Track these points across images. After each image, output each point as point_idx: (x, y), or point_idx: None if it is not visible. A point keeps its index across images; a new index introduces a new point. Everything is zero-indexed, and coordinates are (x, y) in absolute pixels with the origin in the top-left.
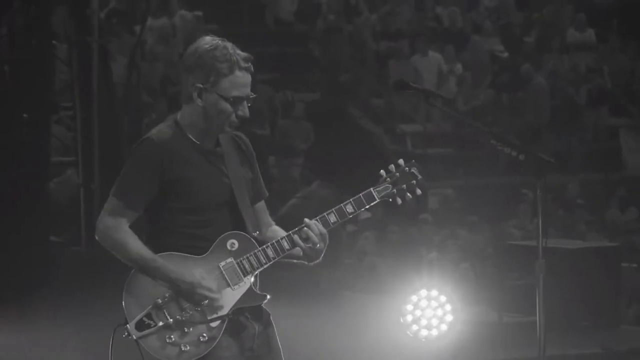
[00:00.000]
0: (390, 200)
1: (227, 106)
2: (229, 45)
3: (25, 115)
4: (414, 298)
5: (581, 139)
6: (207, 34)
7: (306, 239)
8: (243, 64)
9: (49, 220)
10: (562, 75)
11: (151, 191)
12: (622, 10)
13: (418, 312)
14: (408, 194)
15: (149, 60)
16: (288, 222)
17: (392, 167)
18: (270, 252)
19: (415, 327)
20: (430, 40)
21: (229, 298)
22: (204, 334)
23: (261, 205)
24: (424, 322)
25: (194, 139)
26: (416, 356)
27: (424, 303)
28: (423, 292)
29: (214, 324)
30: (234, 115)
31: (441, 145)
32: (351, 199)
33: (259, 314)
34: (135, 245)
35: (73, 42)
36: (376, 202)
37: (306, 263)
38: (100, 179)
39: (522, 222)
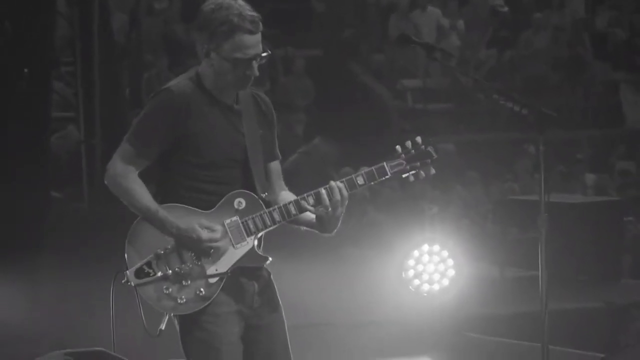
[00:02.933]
0: (403, 176)
1: (230, 67)
2: (235, 4)
3: (26, 70)
4: (416, 253)
5: (582, 93)
6: None
7: (316, 205)
8: (246, 26)
9: (50, 175)
10: (562, 30)
11: (165, 142)
12: None
13: (420, 267)
14: (422, 172)
15: (149, 15)
16: (289, 178)
17: (408, 143)
18: (276, 216)
19: (417, 282)
20: None
21: (230, 256)
22: (202, 289)
23: (275, 166)
24: (425, 277)
25: (214, 94)
26: (418, 311)
27: (425, 258)
28: (425, 247)
29: (212, 280)
30: (242, 75)
31: (442, 100)
32: (363, 171)
33: (259, 273)
34: (142, 194)
35: None
36: (388, 177)
37: (318, 232)
38: (102, 135)
39: (523, 177)
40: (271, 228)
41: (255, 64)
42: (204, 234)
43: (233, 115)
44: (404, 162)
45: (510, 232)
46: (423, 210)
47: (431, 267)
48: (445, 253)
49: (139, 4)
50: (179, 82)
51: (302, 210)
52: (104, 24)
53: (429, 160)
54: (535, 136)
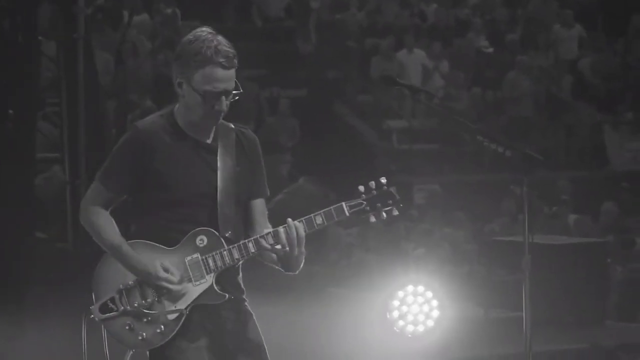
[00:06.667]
0: (362, 217)
1: (199, 100)
2: (213, 39)
3: (11, 111)
4: (401, 294)
5: (567, 135)
6: (201, 28)
7: (274, 243)
8: (217, 59)
9: (35, 216)
10: (547, 71)
11: (131, 178)
12: (607, 6)
13: (404, 308)
14: (383, 213)
15: (133, 56)
16: (274, 218)
17: (372, 183)
18: (235, 253)
19: (401, 323)
20: (415, 36)
21: (190, 293)
22: (161, 326)
23: (258, 203)
24: (410, 317)
25: (186, 131)
26: (402, 352)
27: (410, 299)
28: (409, 288)
29: (171, 317)
30: (210, 109)
31: (427, 141)
32: (322, 211)
33: (235, 313)
34: (107, 230)
35: (59, 39)
36: (346, 216)
37: (283, 270)
38: (87, 175)
39: (507, 218)
40: (230, 266)
41: (224, 100)
42: (161, 272)
43: (206, 152)
44: (364, 202)
45: (495, 273)
46: (407, 251)
47: (416, 308)
48: (429, 294)
49: (123, 44)
50: (147, 119)
51: (260, 248)
52: (89, 65)
53: (391, 201)
54: (520, 177)
